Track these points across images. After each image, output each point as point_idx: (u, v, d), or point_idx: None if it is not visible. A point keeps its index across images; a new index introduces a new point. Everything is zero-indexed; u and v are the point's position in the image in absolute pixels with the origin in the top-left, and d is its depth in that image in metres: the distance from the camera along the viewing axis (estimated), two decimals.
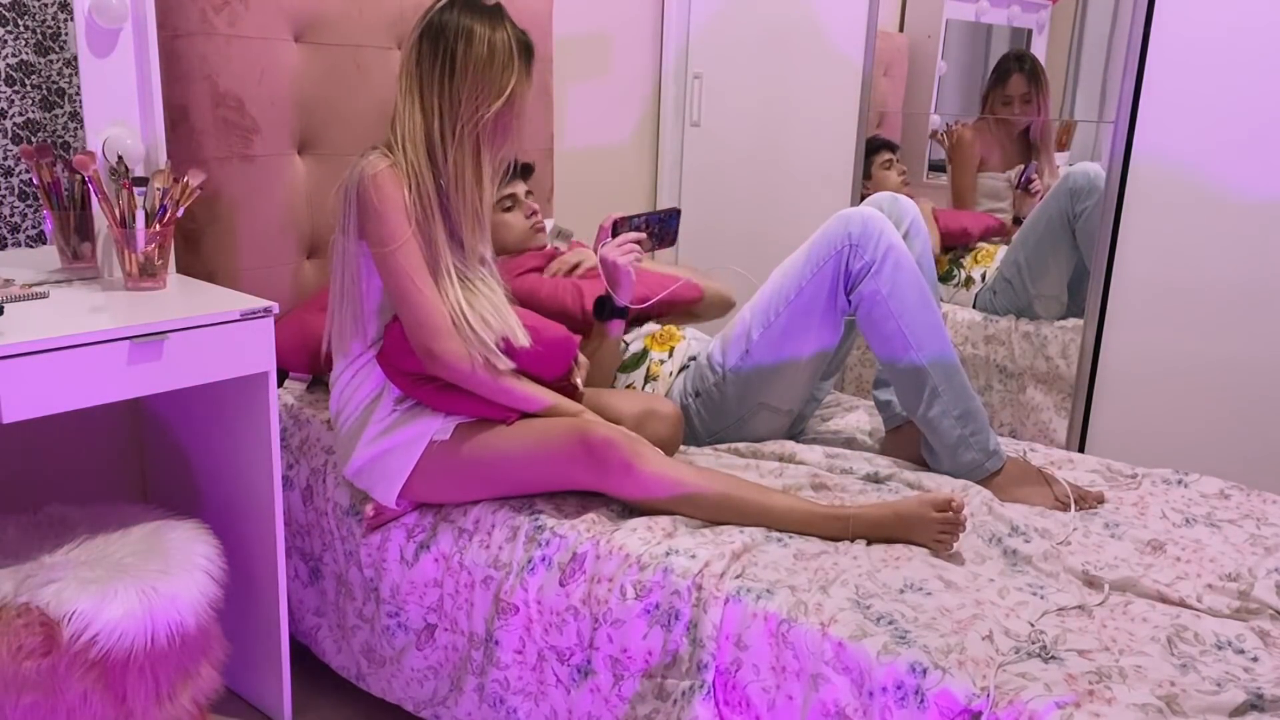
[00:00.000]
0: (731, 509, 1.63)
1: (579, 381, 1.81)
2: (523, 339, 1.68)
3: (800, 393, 2.02)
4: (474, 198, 1.70)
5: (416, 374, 1.68)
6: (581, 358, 1.83)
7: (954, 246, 2.76)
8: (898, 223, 2.00)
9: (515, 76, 1.67)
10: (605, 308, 1.99)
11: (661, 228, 2.10)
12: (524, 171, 2.21)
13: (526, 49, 1.69)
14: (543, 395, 1.72)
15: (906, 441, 1.98)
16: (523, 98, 1.70)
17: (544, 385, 1.75)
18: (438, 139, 1.67)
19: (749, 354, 1.96)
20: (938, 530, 1.57)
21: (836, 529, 1.60)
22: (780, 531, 1.61)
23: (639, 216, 2.06)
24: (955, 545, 1.58)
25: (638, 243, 2.00)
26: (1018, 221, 2.71)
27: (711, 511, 1.63)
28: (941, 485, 1.80)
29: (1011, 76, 2.67)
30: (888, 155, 2.85)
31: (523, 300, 1.92)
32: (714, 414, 2.01)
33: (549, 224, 2.51)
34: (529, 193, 2.22)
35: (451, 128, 1.66)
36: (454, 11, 1.66)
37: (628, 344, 2.10)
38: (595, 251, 2.05)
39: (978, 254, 2.75)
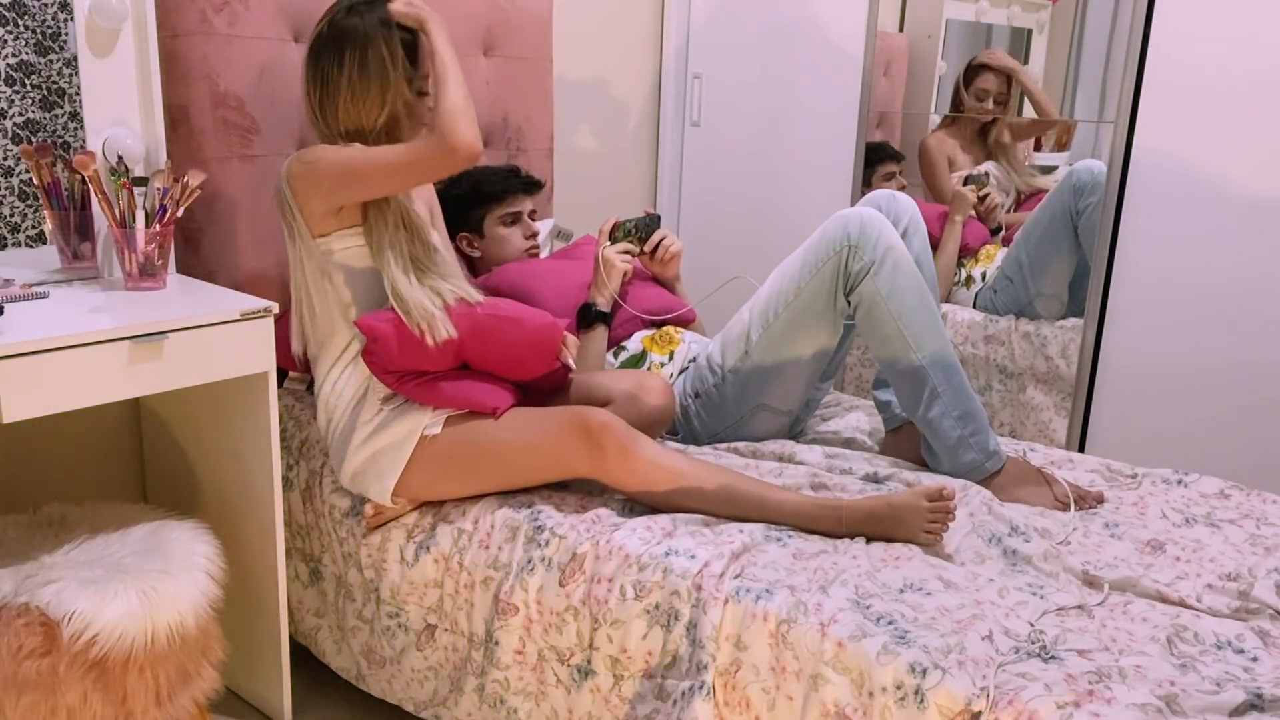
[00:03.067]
0: (728, 500, 1.63)
1: (570, 362, 1.81)
2: (477, 296, 1.71)
3: (800, 394, 2.02)
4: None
5: (402, 371, 1.68)
6: (570, 337, 1.81)
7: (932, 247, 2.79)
8: (896, 221, 2.00)
9: (398, 55, 1.68)
10: (588, 314, 2.02)
11: (646, 232, 2.20)
12: (532, 187, 2.22)
13: (385, 23, 1.69)
14: None
15: (906, 442, 1.98)
16: (410, 68, 1.71)
17: (534, 374, 1.76)
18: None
19: (748, 355, 1.96)
20: (928, 519, 1.57)
21: (830, 520, 1.60)
22: (775, 524, 1.61)
23: (631, 221, 2.16)
24: (945, 537, 1.58)
25: (627, 247, 2.14)
26: (998, 231, 2.75)
27: (708, 502, 1.63)
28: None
29: (983, 71, 2.68)
30: (892, 168, 2.85)
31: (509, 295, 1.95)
32: (713, 414, 2.01)
33: (549, 224, 2.51)
34: (533, 212, 2.23)
35: (371, 129, 1.71)
36: (333, 20, 1.71)
37: (625, 346, 2.11)
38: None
39: (978, 253, 2.75)
